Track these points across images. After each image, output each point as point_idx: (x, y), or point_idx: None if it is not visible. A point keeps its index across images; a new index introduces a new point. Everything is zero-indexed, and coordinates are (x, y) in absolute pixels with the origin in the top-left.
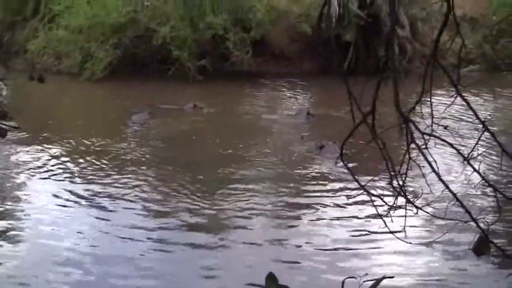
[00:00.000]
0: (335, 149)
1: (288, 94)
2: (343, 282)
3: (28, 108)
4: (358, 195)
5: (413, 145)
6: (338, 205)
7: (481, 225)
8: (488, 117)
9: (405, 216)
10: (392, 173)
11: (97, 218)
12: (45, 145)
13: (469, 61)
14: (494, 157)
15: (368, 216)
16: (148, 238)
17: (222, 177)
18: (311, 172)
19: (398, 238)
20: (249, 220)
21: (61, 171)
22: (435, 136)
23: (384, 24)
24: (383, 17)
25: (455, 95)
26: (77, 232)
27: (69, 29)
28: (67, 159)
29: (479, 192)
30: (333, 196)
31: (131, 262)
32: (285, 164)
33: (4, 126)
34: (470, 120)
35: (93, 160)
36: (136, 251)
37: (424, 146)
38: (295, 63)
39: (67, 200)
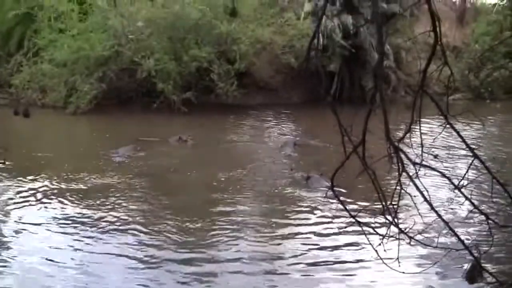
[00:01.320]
0: (322, 180)
1: (274, 126)
2: None
3: (13, 143)
4: (349, 225)
5: (404, 175)
6: (327, 237)
7: (474, 253)
8: (477, 145)
9: (398, 246)
10: (384, 204)
11: (79, 253)
12: (30, 180)
13: (453, 89)
14: (484, 184)
15: (360, 247)
16: (135, 272)
17: (207, 210)
18: (298, 204)
19: (391, 268)
20: (235, 253)
21: (45, 205)
22: (425, 166)
23: (368, 54)
24: (367, 47)
25: (444, 124)
26: (60, 266)
27: (53, 63)
28: (51, 193)
29: (471, 220)
30: (322, 228)
31: None
32: (271, 196)
33: None
34: (459, 147)
35: (77, 194)
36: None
37: (415, 176)
38: (280, 94)
39: (49, 233)
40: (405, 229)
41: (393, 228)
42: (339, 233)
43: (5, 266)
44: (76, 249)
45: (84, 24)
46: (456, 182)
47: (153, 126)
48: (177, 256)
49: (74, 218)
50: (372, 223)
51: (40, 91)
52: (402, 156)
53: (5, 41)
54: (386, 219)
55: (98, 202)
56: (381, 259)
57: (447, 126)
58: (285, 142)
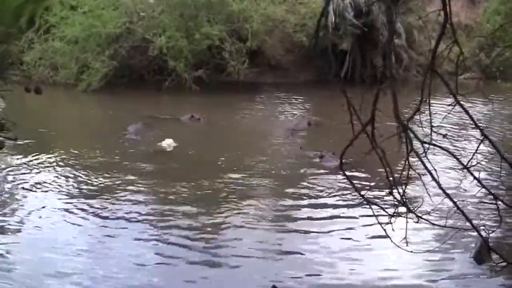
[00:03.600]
0: (334, 159)
1: (286, 104)
2: None
3: (24, 119)
4: (358, 204)
5: (413, 154)
6: (337, 215)
7: (482, 233)
8: (486, 124)
9: (406, 225)
10: (393, 183)
11: (91, 232)
12: (41, 157)
13: (464, 69)
14: (493, 165)
15: (368, 225)
16: (145, 251)
17: (219, 188)
18: (311, 182)
19: (399, 247)
20: (247, 231)
21: (55, 183)
22: (434, 145)
23: (380, 33)
24: (379, 26)
25: (453, 104)
26: (70, 244)
27: (64, 40)
28: (62, 171)
29: (479, 200)
30: (332, 206)
31: (128, 275)
32: (284, 175)
33: (1, 138)
34: (469, 127)
35: (88, 172)
36: (134, 264)
37: (423, 155)
38: (292, 73)
39: (61, 213)
40: (413, 208)
41: (401, 207)
42: (348, 212)
43: (9, 246)
44: (82, 227)
45: (96, 1)
46: (465, 161)
47: (164, 104)
48: (185, 233)
49: (81, 197)
50: (381, 201)
51: (51, 68)
52: (411, 135)
53: (16, 18)
54: (395, 197)
55: (106, 180)
56: (389, 238)
57: (456, 105)
58: (299, 121)
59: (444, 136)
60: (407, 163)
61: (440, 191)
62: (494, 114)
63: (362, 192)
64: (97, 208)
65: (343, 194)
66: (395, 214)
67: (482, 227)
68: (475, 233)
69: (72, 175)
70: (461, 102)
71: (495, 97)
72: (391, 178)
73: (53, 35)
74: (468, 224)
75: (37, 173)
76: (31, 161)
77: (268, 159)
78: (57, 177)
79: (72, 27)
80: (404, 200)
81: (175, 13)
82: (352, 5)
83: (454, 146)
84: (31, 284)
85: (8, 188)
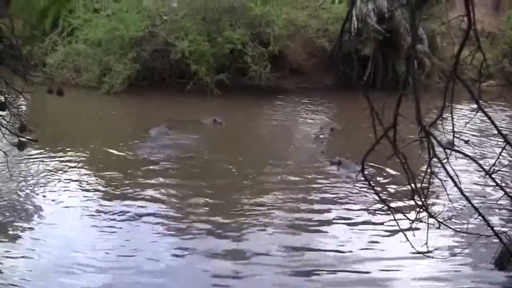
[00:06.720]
0: (354, 165)
1: (307, 109)
2: None
3: (46, 121)
4: (378, 210)
5: (435, 159)
6: (356, 219)
7: (504, 239)
8: (509, 131)
9: (428, 230)
10: (414, 188)
11: (110, 232)
12: (62, 159)
13: (487, 76)
14: None
15: (388, 231)
16: (163, 253)
17: (239, 190)
18: (328, 187)
19: (420, 253)
20: (265, 237)
21: (77, 184)
22: (456, 151)
23: (402, 39)
24: (402, 31)
25: (476, 110)
26: (89, 245)
27: (87, 43)
28: (83, 173)
29: (500, 206)
30: (351, 212)
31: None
32: (303, 179)
33: (23, 139)
34: (491, 134)
35: (110, 174)
36: (151, 265)
37: (445, 161)
38: (313, 78)
39: (81, 213)
40: (435, 214)
41: (422, 212)
42: (368, 217)
43: (28, 242)
44: (101, 224)
45: (119, 4)
46: (487, 167)
47: (186, 107)
48: (202, 235)
49: (99, 197)
50: (402, 207)
51: (74, 70)
52: (433, 140)
53: (40, 20)
54: (416, 203)
55: (126, 181)
56: (410, 243)
57: (479, 111)
58: (322, 126)
59: (466, 142)
60: (428, 169)
61: (461, 196)
62: None
63: (383, 198)
64: (115, 210)
65: (362, 199)
66: (416, 219)
67: (503, 233)
68: (496, 239)
69: (90, 177)
70: (484, 109)
71: None
72: (412, 184)
73: (76, 37)
74: (489, 230)
75: (56, 173)
76: (50, 162)
77: (288, 164)
78: (76, 177)
79: (95, 30)
80: (426, 205)
81: (197, 17)
82: (375, 11)
83: (476, 152)
84: (48, 283)
85: (27, 187)
